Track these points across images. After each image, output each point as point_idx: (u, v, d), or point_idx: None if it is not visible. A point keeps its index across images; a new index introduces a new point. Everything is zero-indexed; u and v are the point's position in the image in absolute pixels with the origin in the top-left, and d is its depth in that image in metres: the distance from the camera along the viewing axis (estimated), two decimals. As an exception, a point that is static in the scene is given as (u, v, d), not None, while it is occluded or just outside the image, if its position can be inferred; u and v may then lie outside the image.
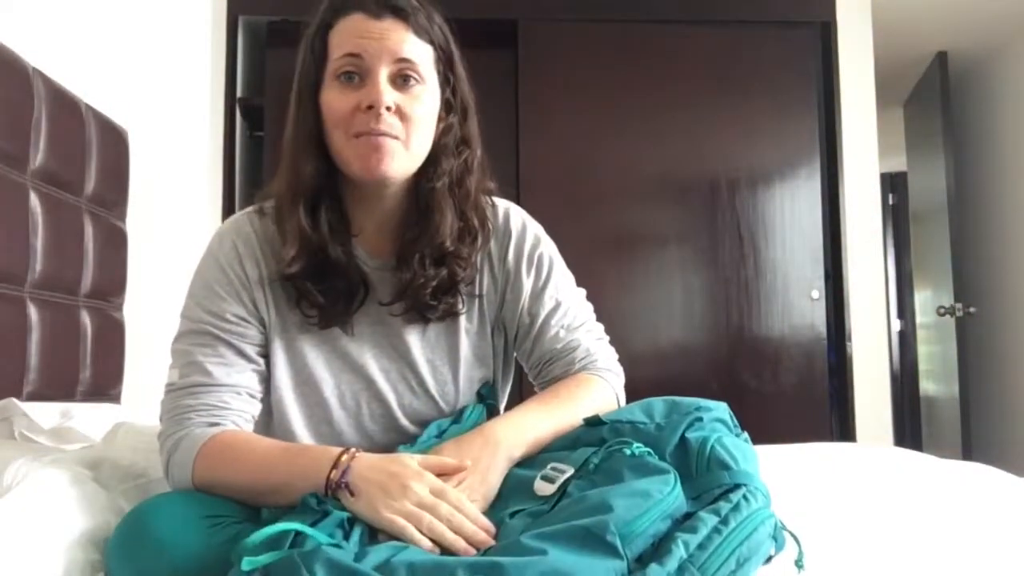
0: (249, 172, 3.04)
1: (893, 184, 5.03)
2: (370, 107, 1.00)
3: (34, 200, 1.62)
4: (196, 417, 1.01)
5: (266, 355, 1.09)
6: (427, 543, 0.81)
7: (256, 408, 1.08)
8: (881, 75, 3.24)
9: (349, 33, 1.03)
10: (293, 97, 1.08)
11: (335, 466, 0.89)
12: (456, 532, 0.83)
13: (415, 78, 1.04)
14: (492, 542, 0.83)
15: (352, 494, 0.86)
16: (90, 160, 1.85)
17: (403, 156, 1.04)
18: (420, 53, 1.04)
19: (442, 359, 1.14)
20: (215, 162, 2.81)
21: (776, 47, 3.06)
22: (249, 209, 1.14)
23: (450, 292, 1.11)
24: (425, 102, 1.05)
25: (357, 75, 1.02)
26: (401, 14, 1.04)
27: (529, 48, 2.98)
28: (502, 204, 1.20)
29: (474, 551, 0.81)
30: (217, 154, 2.83)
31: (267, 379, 1.10)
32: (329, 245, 1.05)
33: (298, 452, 0.97)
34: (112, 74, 2.08)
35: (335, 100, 1.03)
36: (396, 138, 1.02)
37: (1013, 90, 3.74)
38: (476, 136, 1.13)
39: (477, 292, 1.15)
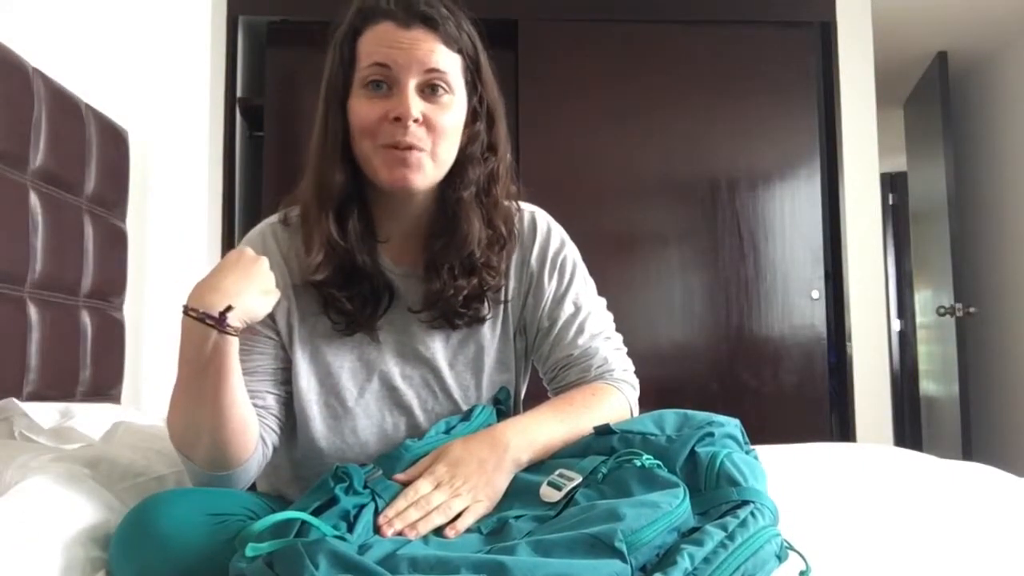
0: (249, 172, 3.04)
1: (893, 184, 5.03)
2: (397, 119, 1.00)
3: (34, 200, 1.63)
4: None
5: (287, 367, 1.09)
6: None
7: (272, 421, 1.07)
8: (881, 75, 3.24)
9: (378, 42, 1.03)
10: (320, 103, 1.08)
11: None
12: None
13: (443, 88, 1.03)
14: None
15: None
16: (90, 160, 1.85)
17: (430, 168, 1.04)
18: (449, 63, 1.04)
19: (465, 364, 1.14)
20: (215, 162, 2.81)
21: (776, 47, 3.06)
22: (273, 218, 1.14)
23: (479, 299, 1.11)
24: (452, 112, 1.05)
25: (385, 84, 1.02)
26: (430, 23, 1.03)
27: (529, 48, 2.98)
28: (528, 208, 1.20)
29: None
30: (217, 154, 2.83)
31: (284, 396, 1.09)
32: (356, 252, 1.05)
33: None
34: (112, 74, 2.08)
35: (362, 109, 1.02)
36: (422, 150, 1.02)
37: (1013, 90, 3.74)
38: (504, 141, 1.13)
39: (503, 298, 1.15)
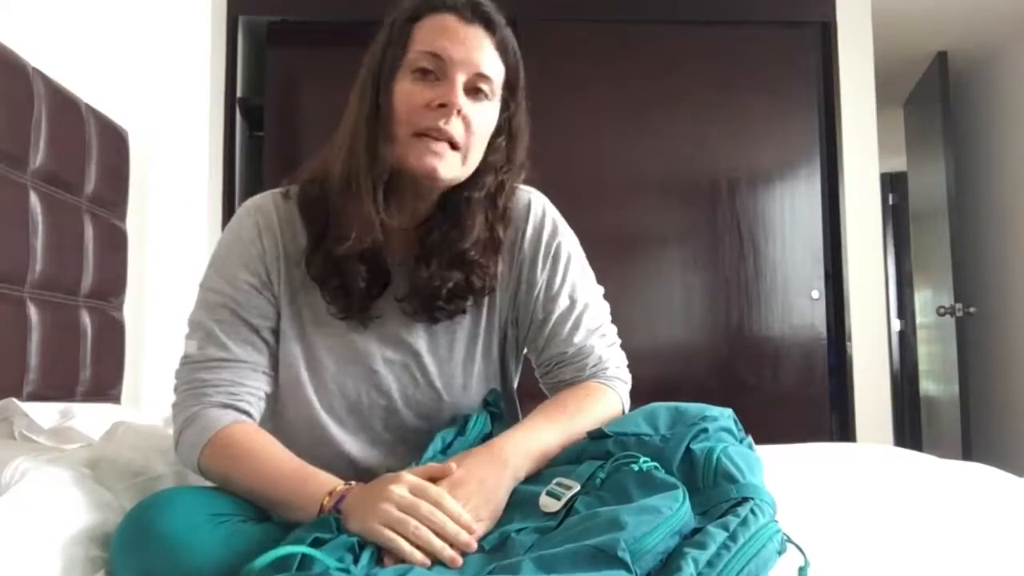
0: (249, 172, 3.04)
1: (893, 184, 5.02)
2: (442, 105, 1.01)
3: (34, 200, 1.62)
4: (213, 393, 1.03)
5: (277, 330, 1.10)
6: (419, 556, 0.80)
7: (269, 386, 1.10)
8: (881, 75, 3.24)
9: (436, 31, 1.03)
10: (366, 80, 1.07)
11: (330, 494, 0.90)
12: (439, 534, 0.82)
13: (486, 93, 1.05)
14: (475, 544, 0.83)
15: (345, 519, 0.86)
16: (90, 160, 1.85)
17: (458, 166, 1.05)
18: (496, 70, 1.06)
19: (448, 351, 1.14)
20: (215, 162, 2.81)
21: (776, 47, 3.06)
22: (274, 190, 1.15)
23: (462, 296, 1.11)
24: (489, 117, 1.07)
25: (434, 73, 1.03)
26: (491, 26, 1.05)
27: (529, 48, 2.95)
28: (525, 190, 1.20)
29: (460, 560, 0.81)
30: (217, 154, 2.83)
31: (277, 357, 1.11)
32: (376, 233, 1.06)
33: (301, 478, 0.96)
34: (112, 74, 2.08)
35: (407, 93, 1.03)
36: (456, 146, 1.03)
37: (1013, 90, 3.74)
38: (521, 161, 1.14)
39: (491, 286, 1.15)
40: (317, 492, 0.92)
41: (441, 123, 1.01)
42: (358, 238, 1.03)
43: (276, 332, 1.10)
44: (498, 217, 1.12)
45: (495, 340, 1.17)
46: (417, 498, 0.85)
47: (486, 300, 1.15)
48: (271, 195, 1.14)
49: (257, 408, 1.08)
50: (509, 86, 1.10)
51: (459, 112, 1.02)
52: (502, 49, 1.07)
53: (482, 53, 1.04)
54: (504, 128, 1.11)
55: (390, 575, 0.75)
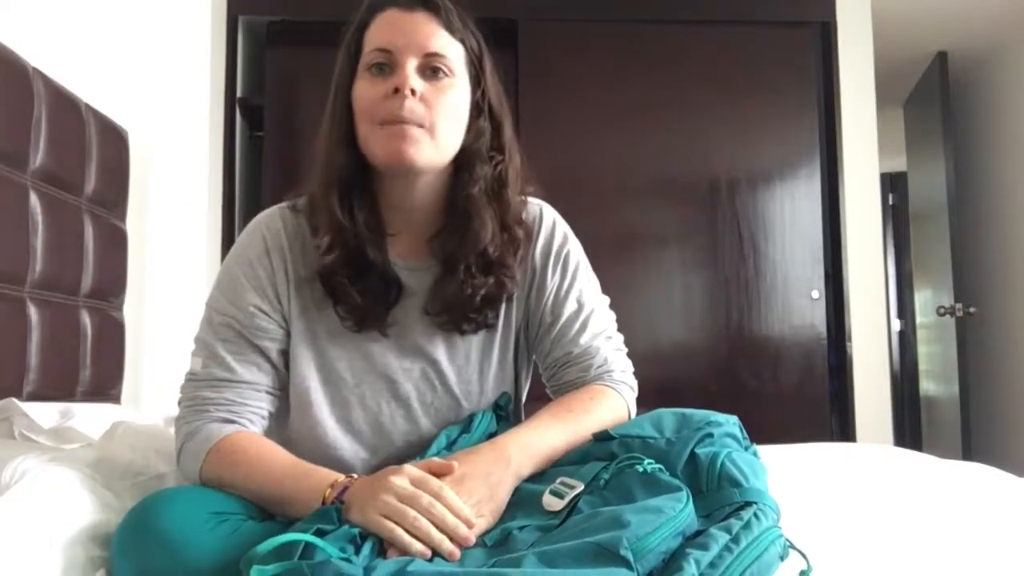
0: (249, 172, 3.04)
1: (893, 184, 5.02)
2: (396, 90, 1.02)
3: (34, 200, 1.62)
4: (214, 411, 1.04)
5: (286, 351, 1.10)
6: (418, 546, 0.80)
7: (273, 405, 1.10)
8: (881, 75, 3.24)
9: (382, 28, 1.05)
10: (330, 94, 1.09)
11: (332, 486, 0.90)
12: (439, 526, 0.82)
13: (444, 71, 1.05)
14: (473, 539, 0.83)
15: (346, 511, 0.86)
16: (90, 160, 1.85)
17: (428, 144, 1.04)
18: (449, 49, 1.06)
19: (466, 358, 1.14)
20: (215, 162, 2.81)
21: (776, 47, 3.06)
22: (282, 204, 1.15)
23: (493, 303, 1.11)
24: (453, 94, 1.06)
25: (387, 67, 1.04)
26: (432, 7, 1.05)
27: (529, 48, 2.98)
28: (535, 202, 1.21)
29: (459, 553, 0.81)
30: (217, 154, 2.83)
31: (285, 377, 1.11)
32: (367, 244, 1.06)
33: (303, 473, 0.96)
34: (112, 74, 2.08)
35: (365, 90, 1.04)
36: (420, 126, 1.02)
37: (1013, 90, 3.74)
38: (511, 143, 1.13)
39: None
40: (319, 485, 0.92)
41: (397, 109, 1.01)
42: (332, 246, 1.04)
43: (284, 352, 1.10)
44: (510, 215, 1.12)
45: (511, 347, 1.17)
46: (417, 490, 0.85)
47: (503, 310, 1.15)
48: (279, 209, 1.14)
49: (259, 426, 1.08)
50: (474, 64, 1.09)
51: (414, 93, 1.02)
52: (451, 28, 1.06)
53: (428, 34, 1.04)
54: (483, 108, 1.10)
55: (390, 567, 0.75)
